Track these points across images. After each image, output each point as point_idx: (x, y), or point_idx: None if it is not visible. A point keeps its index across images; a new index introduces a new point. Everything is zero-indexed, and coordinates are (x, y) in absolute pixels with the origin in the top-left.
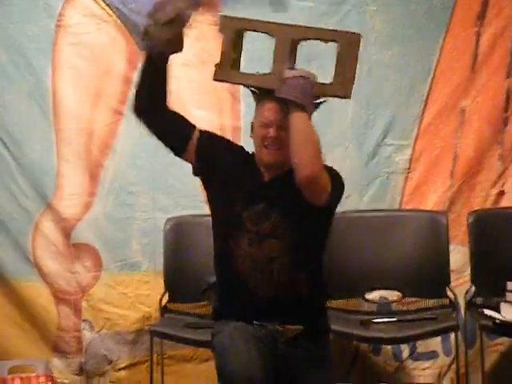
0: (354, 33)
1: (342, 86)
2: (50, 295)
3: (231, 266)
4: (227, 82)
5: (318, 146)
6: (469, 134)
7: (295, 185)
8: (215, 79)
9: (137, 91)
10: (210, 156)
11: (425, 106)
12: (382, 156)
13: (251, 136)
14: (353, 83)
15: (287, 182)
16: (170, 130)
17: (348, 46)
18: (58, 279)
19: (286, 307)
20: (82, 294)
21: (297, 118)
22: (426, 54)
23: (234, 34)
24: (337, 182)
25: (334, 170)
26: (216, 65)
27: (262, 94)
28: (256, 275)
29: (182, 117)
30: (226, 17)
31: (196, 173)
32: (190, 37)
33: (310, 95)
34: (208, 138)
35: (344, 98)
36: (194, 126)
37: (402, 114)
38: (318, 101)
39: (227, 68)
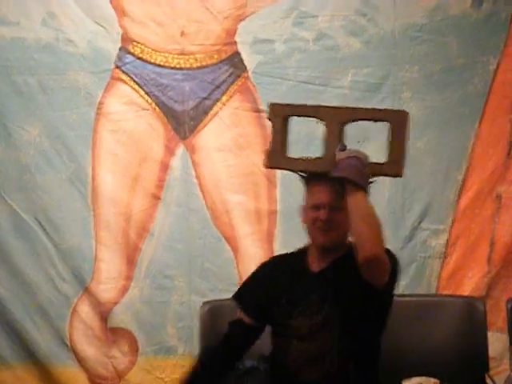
0: (403, 111)
1: (395, 165)
2: (86, 380)
3: (282, 361)
4: (279, 168)
5: (379, 225)
6: (506, 220)
7: (350, 269)
8: (267, 167)
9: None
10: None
11: (461, 190)
12: (418, 240)
13: (302, 221)
14: (404, 161)
15: (339, 268)
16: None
17: (397, 124)
18: (95, 364)
19: None
20: (119, 378)
21: (356, 197)
22: (461, 139)
23: (284, 120)
24: (395, 264)
25: (391, 252)
26: (266, 152)
27: (311, 177)
28: (303, 364)
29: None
30: (274, 104)
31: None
32: (226, 122)
33: (365, 174)
34: (250, 299)
35: (396, 176)
36: (240, 320)
37: (438, 199)
38: (370, 180)
39: (278, 155)
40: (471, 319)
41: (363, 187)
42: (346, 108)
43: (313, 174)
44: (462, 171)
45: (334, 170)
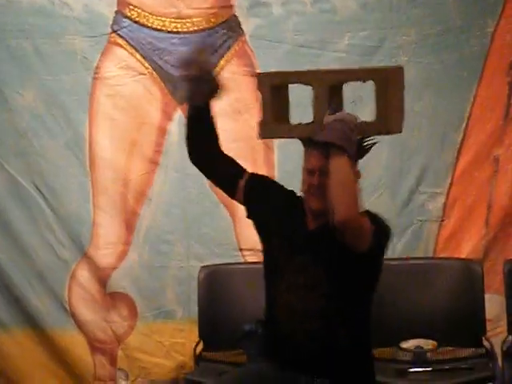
0: (395, 67)
1: (386, 122)
2: (85, 344)
3: (272, 312)
4: (273, 138)
5: (353, 189)
6: (503, 183)
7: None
8: (261, 138)
9: (187, 139)
10: (259, 198)
11: (458, 154)
12: (415, 204)
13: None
14: (402, 116)
15: (328, 231)
16: (220, 172)
17: (388, 80)
18: (94, 328)
19: (319, 360)
20: (118, 343)
21: (335, 161)
22: (458, 102)
23: (273, 89)
24: (380, 228)
25: (378, 217)
26: (258, 123)
27: (306, 141)
28: (292, 325)
29: (233, 160)
30: (260, 74)
31: (247, 215)
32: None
33: (351, 138)
34: (258, 181)
35: (390, 133)
36: (244, 170)
37: (436, 162)
38: (368, 142)
39: (269, 125)
40: (468, 281)
41: (346, 151)
42: (334, 70)
43: (308, 138)
44: (459, 134)
45: (319, 134)
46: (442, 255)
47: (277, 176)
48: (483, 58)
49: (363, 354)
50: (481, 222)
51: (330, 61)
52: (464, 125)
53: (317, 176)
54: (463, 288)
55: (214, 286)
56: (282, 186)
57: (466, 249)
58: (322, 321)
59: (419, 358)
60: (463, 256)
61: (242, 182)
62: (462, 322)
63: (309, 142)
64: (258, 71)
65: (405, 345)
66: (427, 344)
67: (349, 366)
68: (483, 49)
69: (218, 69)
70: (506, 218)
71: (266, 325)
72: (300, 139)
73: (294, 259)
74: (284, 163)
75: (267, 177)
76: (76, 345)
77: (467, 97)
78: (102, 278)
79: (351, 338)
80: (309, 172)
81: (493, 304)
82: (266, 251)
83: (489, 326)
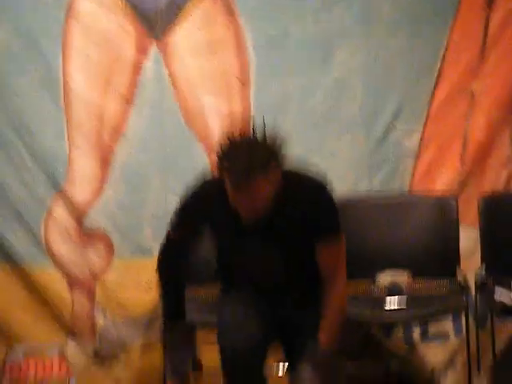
0: None
1: None
2: (63, 281)
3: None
4: None
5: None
6: (478, 117)
7: (288, 220)
8: None
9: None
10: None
11: (434, 89)
12: (391, 141)
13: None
14: None
15: (272, 220)
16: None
17: None
18: (71, 265)
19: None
20: (95, 279)
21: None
22: (434, 38)
23: None
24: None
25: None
26: None
27: None
28: (257, 275)
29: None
30: None
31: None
32: (198, 23)
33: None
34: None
35: None
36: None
37: (411, 99)
38: None
39: None
40: (443, 215)
41: None
42: None
43: None
44: (435, 70)
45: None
46: (417, 190)
47: (253, 111)
48: None
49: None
50: (456, 157)
51: None
52: (439, 61)
53: (247, 206)
54: (438, 222)
55: None
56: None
57: (442, 184)
58: (281, 275)
59: (394, 289)
60: (438, 190)
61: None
62: (437, 254)
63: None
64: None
65: (380, 276)
66: (402, 275)
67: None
68: None
69: (191, 5)
70: (481, 152)
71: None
72: None
73: (247, 239)
74: (260, 100)
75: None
76: (54, 282)
77: (443, 32)
78: (78, 215)
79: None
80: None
81: (468, 236)
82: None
83: (463, 258)
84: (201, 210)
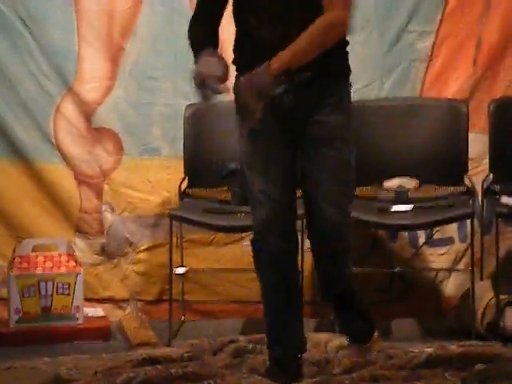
0: None
1: None
2: (71, 177)
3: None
4: None
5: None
6: (494, 20)
7: None
8: None
9: None
10: None
11: None
12: (404, 43)
13: None
14: None
15: None
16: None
17: None
18: (80, 162)
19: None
20: (104, 177)
21: None
22: None
23: None
24: None
25: None
26: None
27: None
28: (273, 31)
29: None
30: None
31: None
32: None
33: None
34: None
35: None
36: None
37: (426, 0)
38: None
39: None
40: (453, 121)
41: None
42: None
43: None
44: None
45: None
46: (429, 95)
47: None
48: None
49: (341, 51)
50: (469, 61)
51: None
52: None
53: None
54: (448, 127)
55: (200, 124)
56: None
57: (453, 88)
58: (298, 14)
59: (401, 196)
60: (450, 96)
61: None
62: (445, 161)
63: None
64: None
65: (387, 183)
66: (410, 183)
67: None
68: None
69: None
70: (495, 56)
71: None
72: None
73: None
74: None
75: None
76: (62, 178)
77: None
78: (87, 112)
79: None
80: None
81: (477, 143)
82: None
83: (471, 165)
84: None
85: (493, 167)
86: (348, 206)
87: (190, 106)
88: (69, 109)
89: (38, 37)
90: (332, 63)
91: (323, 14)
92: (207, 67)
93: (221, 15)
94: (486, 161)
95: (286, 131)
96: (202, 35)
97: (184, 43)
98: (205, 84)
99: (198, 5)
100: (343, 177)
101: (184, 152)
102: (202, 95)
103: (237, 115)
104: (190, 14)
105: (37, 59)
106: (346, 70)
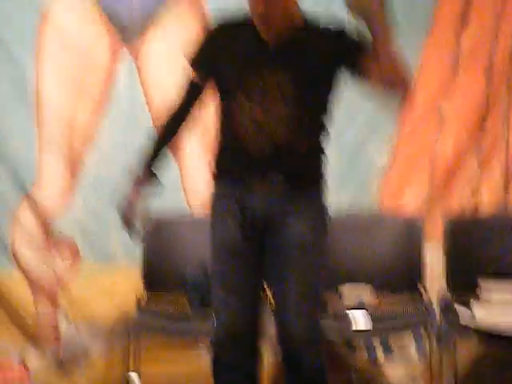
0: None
1: None
2: (27, 285)
3: (231, 125)
4: None
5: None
6: (447, 137)
7: (310, 43)
8: None
9: None
10: (213, 59)
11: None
12: (362, 158)
13: None
14: None
15: (296, 41)
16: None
17: None
18: (36, 270)
19: (280, 164)
20: (60, 285)
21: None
22: (406, 55)
23: None
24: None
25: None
26: None
27: None
28: (257, 137)
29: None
30: None
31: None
32: (171, 27)
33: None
34: (203, 55)
35: None
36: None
37: (382, 116)
38: None
39: None
40: (409, 233)
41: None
42: None
43: None
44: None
45: None
46: (385, 208)
47: None
48: (431, 11)
49: (318, 159)
50: (425, 175)
51: None
52: (413, 78)
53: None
54: (404, 238)
55: (160, 237)
56: (234, 25)
57: (409, 201)
58: (281, 128)
59: (357, 302)
60: (406, 208)
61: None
62: (400, 269)
63: None
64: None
65: (343, 288)
66: (364, 288)
67: (303, 166)
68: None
69: (164, 12)
70: (449, 172)
71: (222, 137)
72: None
73: (260, 71)
74: None
75: (205, 43)
76: (17, 285)
77: (415, 49)
78: (45, 220)
79: (310, 143)
80: None
81: (433, 254)
82: (223, 81)
83: (427, 275)
84: (220, 35)
85: (448, 277)
86: (318, 313)
87: (149, 219)
88: (27, 217)
89: None
90: (307, 167)
91: None
92: (130, 206)
93: (192, 111)
94: (442, 270)
95: (253, 236)
96: (159, 141)
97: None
98: (128, 223)
99: (181, 98)
100: (313, 282)
101: (142, 259)
102: (127, 231)
103: (210, 221)
104: (151, 123)
105: None
106: (321, 176)
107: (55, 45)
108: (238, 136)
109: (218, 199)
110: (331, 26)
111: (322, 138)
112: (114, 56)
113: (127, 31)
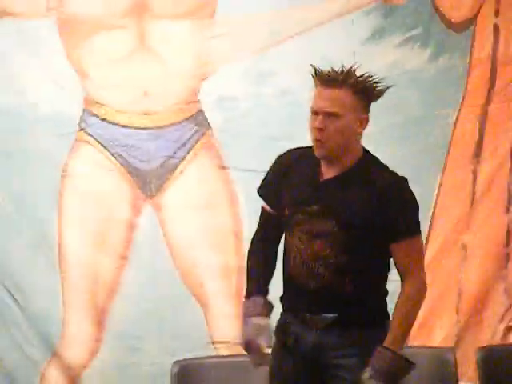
0: None
1: None
2: None
3: (287, 261)
4: None
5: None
6: (472, 269)
7: (357, 184)
8: None
9: None
10: (278, 188)
11: (426, 243)
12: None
13: None
14: None
15: (343, 184)
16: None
17: None
18: None
19: (328, 302)
20: None
21: None
22: (424, 191)
23: None
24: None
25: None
26: None
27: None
28: (303, 271)
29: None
30: None
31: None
32: (192, 180)
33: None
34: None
35: None
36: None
37: None
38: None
39: None
40: (441, 369)
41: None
42: None
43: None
44: (426, 223)
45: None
46: (414, 343)
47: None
48: (446, 147)
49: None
50: (452, 309)
51: None
52: (430, 213)
53: (321, 118)
54: (436, 376)
55: (187, 380)
56: (297, 154)
57: (439, 336)
58: (329, 273)
59: None
60: (436, 343)
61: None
62: None
63: (323, 80)
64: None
65: None
66: None
67: (353, 310)
68: (445, 138)
69: (185, 163)
70: (477, 304)
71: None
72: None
73: (307, 210)
74: None
75: (272, 171)
76: None
77: (433, 185)
78: (72, 377)
79: (358, 286)
80: (313, 113)
81: None
82: (285, 209)
83: None
84: (285, 161)
85: None
86: None
87: (176, 362)
88: (54, 375)
89: (23, 306)
90: (363, 308)
91: (402, 290)
92: (255, 330)
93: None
94: None
95: (306, 374)
96: (258, 267)
97: (168, 301)
98: (251, 348)
99: (259, 227)
100: None
101: None
102: (251, 359)
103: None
104: (175, 272)
105: (22, 327)
106: (379, 318)
107: (77, 201)
108: (289, 271)
109: (276, 330)
110: (382, 179)
111: (374, 281)
112: (136, 208)
113: (148, 184)
